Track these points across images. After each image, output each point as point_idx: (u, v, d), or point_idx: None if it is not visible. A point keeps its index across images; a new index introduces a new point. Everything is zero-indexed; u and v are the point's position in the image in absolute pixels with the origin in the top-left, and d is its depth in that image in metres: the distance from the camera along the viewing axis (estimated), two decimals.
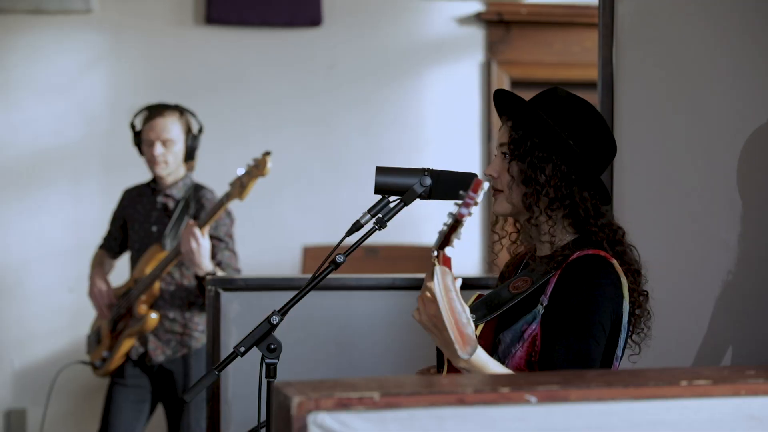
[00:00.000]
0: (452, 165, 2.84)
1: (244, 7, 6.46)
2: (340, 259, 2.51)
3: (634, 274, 2.53)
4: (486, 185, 2.08)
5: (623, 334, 2.46)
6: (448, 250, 2.08)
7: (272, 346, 2.48)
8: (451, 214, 2.07)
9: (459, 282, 2.25)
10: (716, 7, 3.03)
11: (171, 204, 4.77)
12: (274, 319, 2.47)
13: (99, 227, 5.38)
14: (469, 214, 2.05)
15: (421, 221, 5.95)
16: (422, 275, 2.63)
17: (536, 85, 6.72)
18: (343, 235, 2.57)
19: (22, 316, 6.31)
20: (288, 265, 6.40)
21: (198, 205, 4.71)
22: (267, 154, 4.30)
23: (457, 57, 6.71)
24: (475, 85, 6.71)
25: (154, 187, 4.84)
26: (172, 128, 4.71)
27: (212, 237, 4.61)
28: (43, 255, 6.34)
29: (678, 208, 3.09)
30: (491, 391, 1.65)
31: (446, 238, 2.07)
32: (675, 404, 1.70)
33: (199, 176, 5.03)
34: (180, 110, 4.77)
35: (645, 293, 2.55)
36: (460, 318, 2.11)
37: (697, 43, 3.09)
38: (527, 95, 2.65)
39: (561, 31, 6.70)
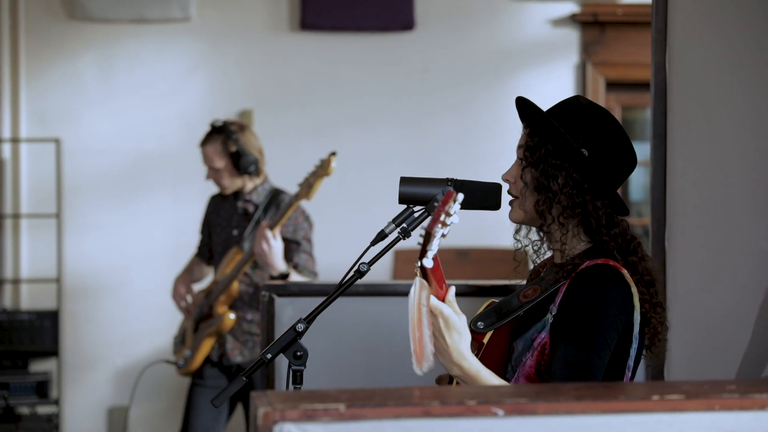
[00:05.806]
0: None
1: (338, 12, 6.54)
2: (363, 268, 2.56)
3: (647, 285, 2.49)
4: (461, 197, 2.09)
5: (635, 345, 2.43)
6: (426, 262, 2.10)
7: (298, 353, 2.52)
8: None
9: (453, 290, 2.27)
10: None
11: (251, 208, 4.88)
12: (300, 327, 2.52)
13: (198, 231, 5.51)
14: (443, 224, 2.06)
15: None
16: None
17: (632, 87, 6.70)
18: (368, 244, 2.61)
19: (124, 317, 6.50)
20: (380, 269, 6.43)
21: (277, 209, 4.80)
22: (332, 154, 4.38)
23: (551, 59, 6.67)
24: (570, 87, 6.65)
25: (235, 193, 4.95)
26: (213, 157, 4.90)
27: (290, 240, 4.71)
28: (144, 257, 6.52)
29: (723, 215, 3.05)
30: (458, 404, 1.67)
31: (421, 250, 2.09)
32: (647, 418, 1.69)
33: (294, 179, 5.11)
34: (222, 133, 4.90)
35: (659, 304, 2.51)
36: (424, 333, 2.13)
37: (748, 49, 3.04)
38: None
39: None
